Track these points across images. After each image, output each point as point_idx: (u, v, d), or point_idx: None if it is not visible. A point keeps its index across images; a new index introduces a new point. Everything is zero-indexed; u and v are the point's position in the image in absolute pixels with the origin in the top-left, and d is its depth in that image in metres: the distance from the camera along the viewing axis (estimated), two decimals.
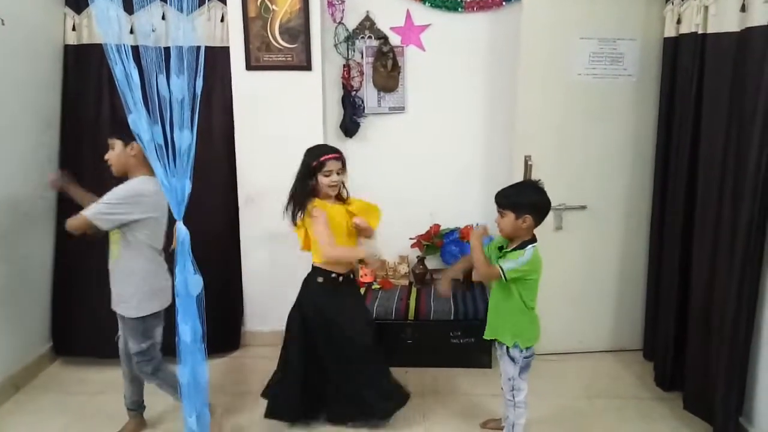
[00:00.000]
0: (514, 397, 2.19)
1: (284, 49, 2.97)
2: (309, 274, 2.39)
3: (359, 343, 2.36)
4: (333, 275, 2.34)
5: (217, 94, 3.00)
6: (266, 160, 3.04)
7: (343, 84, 3.17)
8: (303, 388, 2.35)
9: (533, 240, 2.11)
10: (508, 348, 2.16)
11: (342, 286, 2.38)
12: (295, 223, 2.29)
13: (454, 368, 2.93)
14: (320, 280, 2.34)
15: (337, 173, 2.25)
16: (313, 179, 2.24)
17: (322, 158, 2.23)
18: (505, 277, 2.04)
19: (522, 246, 2.09)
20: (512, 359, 2.16)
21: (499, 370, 2.25)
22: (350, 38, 3.13)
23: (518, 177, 2.86)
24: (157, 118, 1.65)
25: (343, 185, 2.36)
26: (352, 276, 2.46)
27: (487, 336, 2.25)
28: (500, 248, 2.16)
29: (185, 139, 1.69)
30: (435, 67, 3.19)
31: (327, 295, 2.35)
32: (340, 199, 2.37)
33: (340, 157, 2.27)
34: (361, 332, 2.38)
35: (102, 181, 2.91)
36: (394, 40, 3.16)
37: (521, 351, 2.14)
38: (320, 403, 2.44)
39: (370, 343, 2.40)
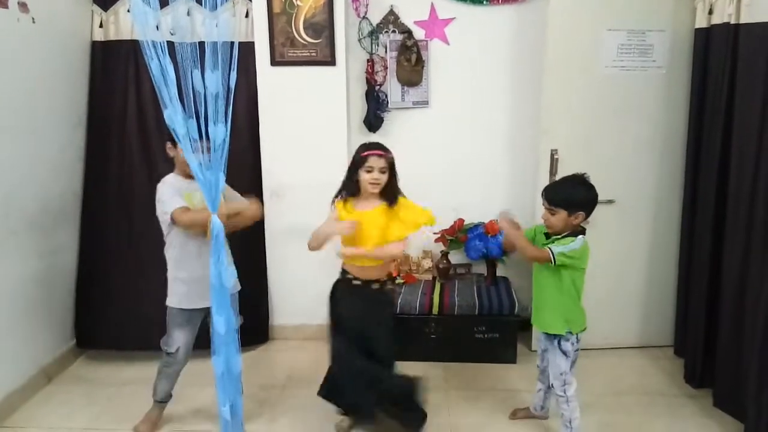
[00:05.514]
0: (565, 392, 2.19)
1: (308, 45, 2.97)
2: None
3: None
4: (348, 276, 2.25)
5: (241, 89, 3.00)
6: (291, 155, 3.06)
7: (366, 79, 3.16)
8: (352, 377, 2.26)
9: (583, 231, 2.11)
10: (560, 341, 2.16)
11: (355, 293, 2.24)
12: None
13: (478, 363, 2.92)
14: (339, 277, 2.30)
15: (381, 171, 2.13)
16: (356, 174, 2.17)
17: (364, 153, 2.15)
18: (554, 259, 2.04)
19: (573, 234, 2.09)
20: (564, 353, 2.17)
21: (535, 367, 2.29)
22: (374, 33, 3.12)
23: (544, 171, 2.84)
24: (192, 113, 1.66)
25: (390, 186, 2.18)
26: (377, 285, 2.24)
27: (538, 328, 2.26)
28: (546, 235, 2.16)
29: (220, 132, 1.71)
30: (459, 60, 3.17)
31: (333, 296, 2.29)
32: (389, 199, 2.19)
33: (383, 155, 2.15)
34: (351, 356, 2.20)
35: (128, 178, 2.99)
36: (418, 34, 3.14)
37: (573, 343, 2.16)
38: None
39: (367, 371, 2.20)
